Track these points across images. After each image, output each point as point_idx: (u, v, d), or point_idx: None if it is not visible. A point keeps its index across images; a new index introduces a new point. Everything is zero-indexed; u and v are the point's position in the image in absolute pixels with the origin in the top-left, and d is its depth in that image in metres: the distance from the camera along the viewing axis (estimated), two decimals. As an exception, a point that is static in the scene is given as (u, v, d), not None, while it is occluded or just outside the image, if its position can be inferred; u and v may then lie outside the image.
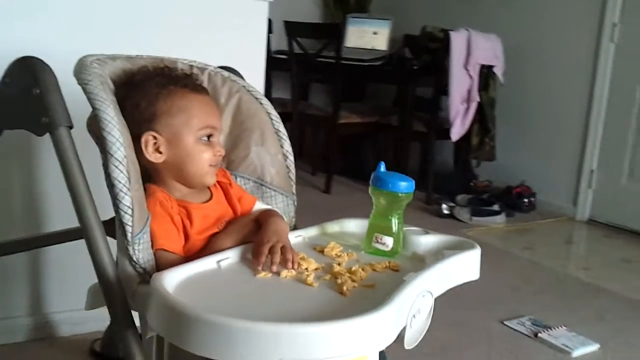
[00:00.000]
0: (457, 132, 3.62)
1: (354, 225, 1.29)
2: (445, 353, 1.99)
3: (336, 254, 1.14)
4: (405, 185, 1.17)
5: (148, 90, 1.11)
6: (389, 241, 1.18)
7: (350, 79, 4.34)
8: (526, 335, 2.12)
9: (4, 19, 1.61)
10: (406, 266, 1.12)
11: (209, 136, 1.14)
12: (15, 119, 1.09)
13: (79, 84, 1.05)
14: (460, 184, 3.92)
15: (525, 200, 3.75)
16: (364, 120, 3.96)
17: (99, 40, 1.64)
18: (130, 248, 1.00)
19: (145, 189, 1.12)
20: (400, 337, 0.94)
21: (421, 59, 3.82)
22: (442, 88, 3.65)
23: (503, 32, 3.77)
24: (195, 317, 0.81)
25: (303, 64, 3.96)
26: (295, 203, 1.35)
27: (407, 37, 4.29)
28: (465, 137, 3.72)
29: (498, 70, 3.70)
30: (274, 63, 4.10)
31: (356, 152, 4.29)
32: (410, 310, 0.95)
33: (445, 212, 3.51)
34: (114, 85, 1.14)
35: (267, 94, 3.99)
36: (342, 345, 0.81)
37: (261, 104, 1.33)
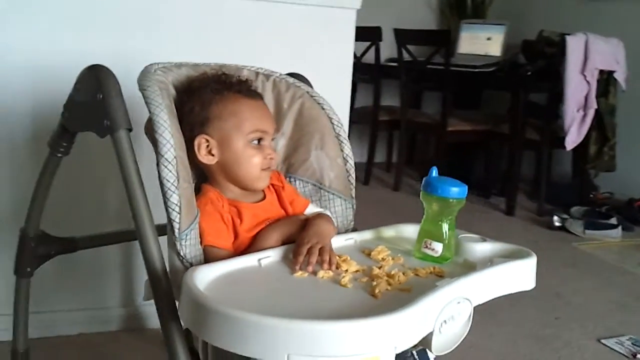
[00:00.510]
0: (572, 140, 3.45)
1: (411, 231, 1.28)
2: (530, 369, 1.91)
3: (382, 258, 1.14)
4: (456, 191, 1.15)
5: (203, 95, 1.17)
6: (438, 247, 1.16)
7: (463, 86, 4.26)
8: (623, 355, 1.99)
9: (83, 31, 1.75)
10: (454, 273, 1.10)
11: (259, 140, 1.18)
12: (84, 122, 1.18)
13: (139, 89, 1.12)
14: (578, 196, 3.75)
15: (648, 214, 3.51)
16: (474, 128, 3.87)
17: (177, 51, 1.74)
18: (177, 244, 1.05)
19: (200, 189, 1.18)
20: (428, 342, 0.94)
21: (536, 64, 3.69)
22: (558, 95, 3.50)
23: (626, 36, 3.56)
24: (211, 308, 0.85)
25: (413, 71, 3.94)
26: (354, 207, 1.36)
27: (525, 42, 4.16)
28: (583, 146, 3.54)
29: (619, 76, 3.49)
30: (384, 71, 4.14)
31: (467, 160, 4.20)
32: (440, 315, 0.93)
33: (557, 224, 3.35)
34: (177, 91, 1.21)
35: (376, 102, 4.07)
36: (352, 344, 0.82)
37: (323, 109, 1.35)
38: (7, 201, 1.76)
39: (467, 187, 1.17)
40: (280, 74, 1.38)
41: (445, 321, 0.95)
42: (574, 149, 3.54)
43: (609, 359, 1.98)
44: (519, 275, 1.11)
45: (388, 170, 4.50)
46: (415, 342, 0.89)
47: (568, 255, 2.99)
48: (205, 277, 0.98)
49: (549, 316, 2.28)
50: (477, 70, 3.87)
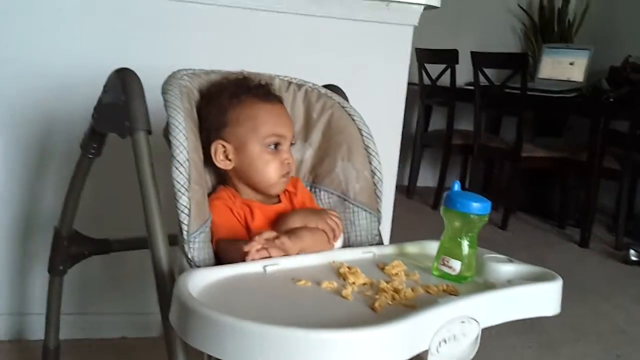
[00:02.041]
0: (654, 171, 3.27)
1: (435, 248, 1.22)
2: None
3: (395, 273, 1.10)
4: (477, 207, 1.09)
5: (221, 100, 1.18)
6: (456, 265, 1.10)
7: (541, 112, 4.13)
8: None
9: (122, 39, 1.81)
10: (469, 292, 1.04)
11: (276, 145, 1.17)
12: (109, 123, 1.21)
13: (162, 92, 1.14)
14: (662, 231, 3.53)
15: None
16: (550, 155, 3.72)
17: (224, 63, 1.77)
18: (186, 246, 1.05)
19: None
20: (423, 362, 0.89)
21: (619, 90, 3.52)
22: (641, 123, 3.33)
23: None
24: (190, 308, 0.83)
25: (489, 95, 3.85)
26: (380, 221, 1.32)
27: (611, 68, 3.99)
28: (668, 178, 3.34)
29: None
30: (460, 94, 4.07)
31: (543, 188, 4.03)
32: (437, 334, 0.88)
33: (633, 258, 3.16)
34: (200, 96, 1.22)
35: (449, 125, 4.00)
36: (330, 356, 0.78)
37: (353, 120, 1.33)
38: (49, 204, 1.83)
39: (490, 203, 1.11)
40: (313, 84, 1.37)
41: (445, 340, 0.90)
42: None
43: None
44: (538, 298, 1.04)
45: (460, 196, 4.37)
46: (404, 359, 0.84)
47: (641, 291, 2.81)
48: (202, 280, 0.97)
49: (609, 354, 2.13)
50: (555, 95, 3.72)
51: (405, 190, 4.31)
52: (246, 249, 1.04)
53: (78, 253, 1.45)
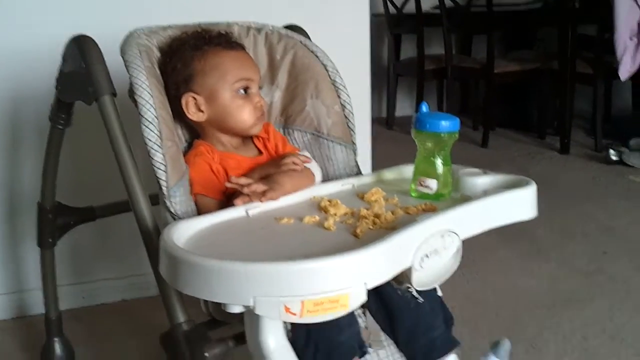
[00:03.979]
0: (626, 70, 3.29)
1: (412, 171, 1.25)
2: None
3: (375, 199, 1.13)
4: (446, 125, 1.11)
5: (184, 53, 1.18)
6: (432, 184, 1.13)
7: (509, 27, 4.12)
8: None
9: (72, 4, 1.79)
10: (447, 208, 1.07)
11: (245, 89, 1.18)
12: (73, 91, 1.21)
13: (120, 54, 1.13)
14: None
15: None
16: (522, 68, 3.74)
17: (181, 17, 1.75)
18: (167, 201, 1.07)
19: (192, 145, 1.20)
20: (408, 277, 0.92)
21: (585, -6, 3.52)
22: (609, 24, 3.33)
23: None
24: (177, 256, 0.86)
25: (456, 17, 3.84)
26: (357, 152, 1.34)
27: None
28: (640, 76, 3.37)
29: (675, -3, 3.28)
30: (427, 20, 4.04)
31: (520, 102, 4.06)
32: (419, 250, 0.91)
33: (613, 157, 3.22)
34: (161, 53, 1.22)
35: (420, 52, 3.98)
36: (317, 282, 0.81)
37: (317, 56, 1.33)
38: (30, 181, 1.83)
39: (458, 120, 1.13)
40: (273, 27, 1.36)
41: (427, 255, 0.93)
42: (634, 80, 3.38)
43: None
44: (514, 204, 1.07)
45: (440, 120, 4.40)
46: (389, 277, 0.87)
47: (623, 188, 2.87)
48: (187, 230, 0.99)
49: (597, 251, 2.20)
50: (522, 8, 3.71)
51: (385, 122, 4.31)
52: (237, 203, 1.07)
53: (64, 224, 1.46)
